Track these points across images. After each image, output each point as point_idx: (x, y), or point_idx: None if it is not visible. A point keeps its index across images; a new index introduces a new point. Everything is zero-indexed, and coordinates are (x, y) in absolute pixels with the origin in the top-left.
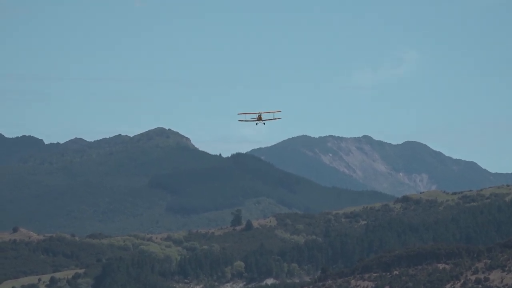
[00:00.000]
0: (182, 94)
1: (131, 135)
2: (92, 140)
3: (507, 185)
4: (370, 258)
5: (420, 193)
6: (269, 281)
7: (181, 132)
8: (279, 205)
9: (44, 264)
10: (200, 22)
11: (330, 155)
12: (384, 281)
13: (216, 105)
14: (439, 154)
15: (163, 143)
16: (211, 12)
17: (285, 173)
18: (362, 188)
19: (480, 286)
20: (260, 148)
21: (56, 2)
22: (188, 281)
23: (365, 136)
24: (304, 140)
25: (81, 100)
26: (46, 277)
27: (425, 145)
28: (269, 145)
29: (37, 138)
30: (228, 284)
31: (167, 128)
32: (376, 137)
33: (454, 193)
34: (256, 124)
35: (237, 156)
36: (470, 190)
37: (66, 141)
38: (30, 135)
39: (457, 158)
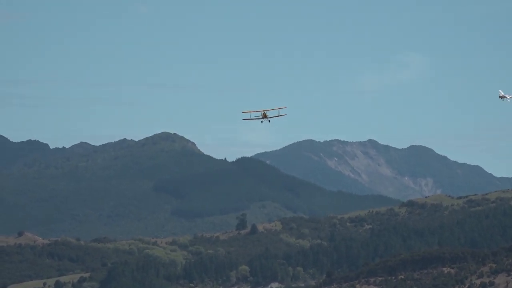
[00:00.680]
0: (187, 99)
1: (136, 140)
2: (98, 145)
3: None
4: (375, 262)
5: (425, 197)
6: (274, 285)
7: (186, 137)
8: (284, 209)
9: (49, 268)
10: (205, 26)
11: (336, 159)
12: (389, 285)
13: (221, 109)
14: (444, 158)
15: (168, 148)
16: (216, 17)
17: (290, 177)
18: (367, 192)
19: None
20: (265, 152)
21: (63, 7)
22: (193, 285)
23: (370, 140)
24: (309, 144)
25: (86, 104)
26: (51, 281)
27: (431, 149)
28: (274, 149)
29: (43, 143)
30: None
31: (172, 133)
32: (382, 141)
33: (459, 198)
34: (261, 122)
35: (242, 160)
36: (475, 194)
37: (72, 146)
38: (35, 140)
39: (462, 162)
